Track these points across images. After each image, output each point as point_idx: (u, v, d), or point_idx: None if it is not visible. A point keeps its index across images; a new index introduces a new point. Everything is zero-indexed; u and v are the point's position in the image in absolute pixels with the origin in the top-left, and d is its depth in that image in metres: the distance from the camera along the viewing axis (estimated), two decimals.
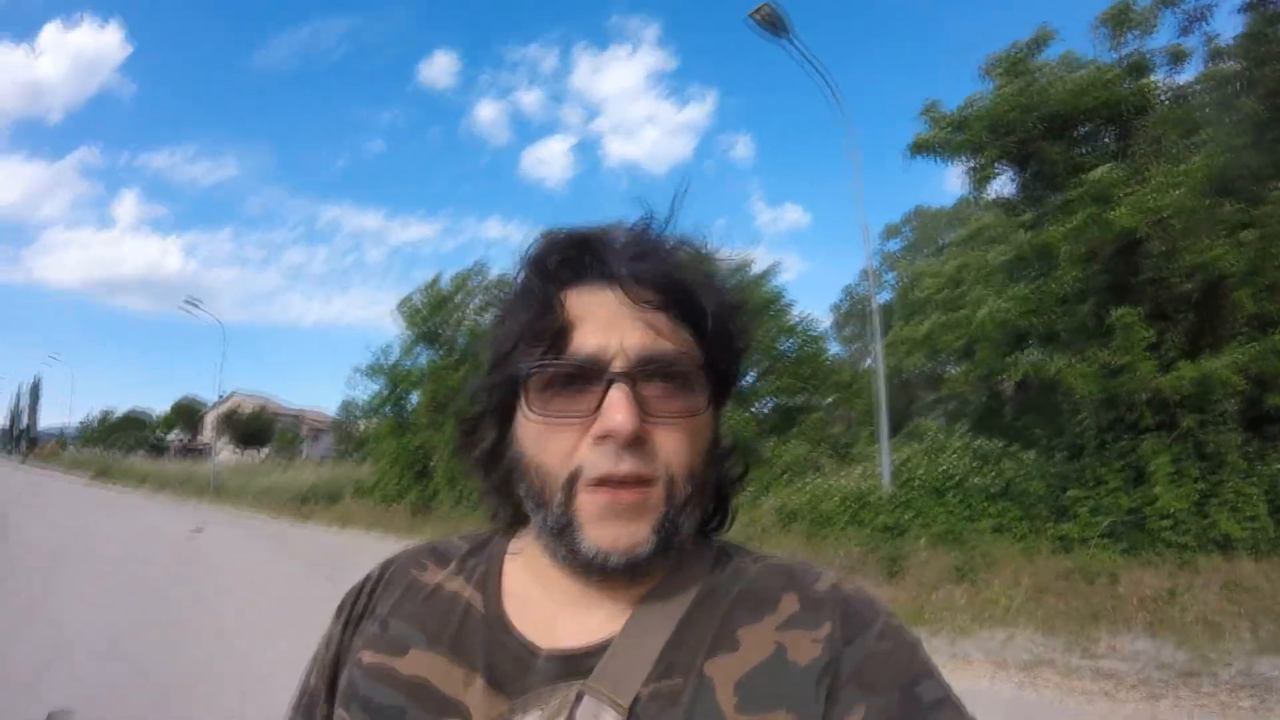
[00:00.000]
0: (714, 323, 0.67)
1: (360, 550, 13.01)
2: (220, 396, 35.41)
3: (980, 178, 9.92)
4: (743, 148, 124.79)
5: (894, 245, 25.49)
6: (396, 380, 18.21)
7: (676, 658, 0.64)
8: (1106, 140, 8.94)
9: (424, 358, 17.99)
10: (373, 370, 18.43)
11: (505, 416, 0.70)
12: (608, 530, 0.63)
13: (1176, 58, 8.83)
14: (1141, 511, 7.92)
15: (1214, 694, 4.75)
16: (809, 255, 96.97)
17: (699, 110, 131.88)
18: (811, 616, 0.65)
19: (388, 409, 18.75)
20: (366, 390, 19.01)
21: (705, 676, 0.62)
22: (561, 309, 0.66)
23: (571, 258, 0.68)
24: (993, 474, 10.22)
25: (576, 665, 0.64)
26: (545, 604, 0.69)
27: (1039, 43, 9.33)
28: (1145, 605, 6.35)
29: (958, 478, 10.41)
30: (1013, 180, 10.26)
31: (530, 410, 0.66)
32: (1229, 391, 7.46)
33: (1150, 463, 8.00)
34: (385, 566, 0.81)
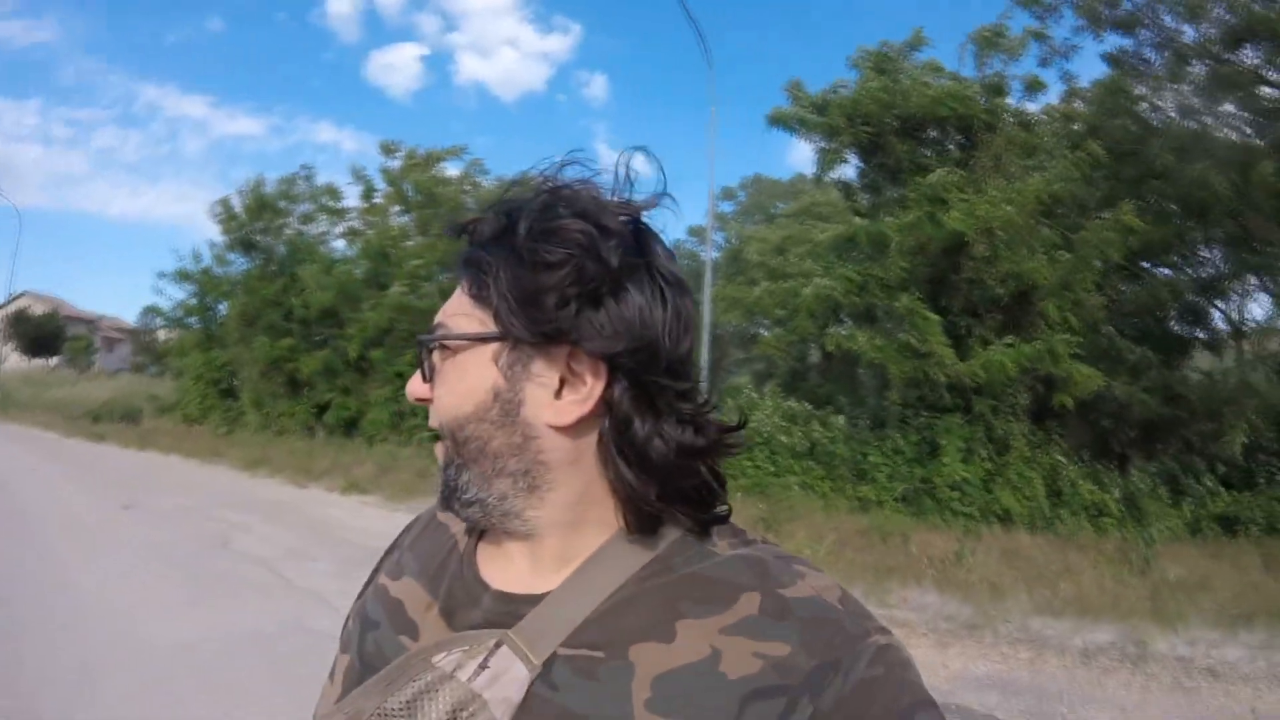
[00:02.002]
0: (493, 286, 0.64)
1: (162, 472, 12.19)
2: (9, 295, 31.09)
3: (829, 159, 10.46)
4: (597, 87, 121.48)
5: (726, 207, 26.54)
6: (206, 288, 16.65)
7: (605, 628, 0.63)
8: (952, 148, 9.72)
9: (238, 265, 16.54)
10: (180, 275, 16.70)
11: None
12: None
13: (1032, 87, 9.73)
14: (933, 481, 8.78)
15: (995, 645, 5.32)
16: None
17: (560, 41, 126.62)
18: (765, 626, 0.60)
19: (194, 319, 17.17)
20: (172, 297, 17.29)
21: (629, 660, 0.60)
22: None
23: None
24: (800, 434, 11.02)
25: (513, 609, 0.66)
26: (510, 552, 0.70)
27: (911, 45, 9.96)
28: (934, 564, 6.98)
29: (767, 435, 11.12)
30: (857, 167, 10.94)
31: None
32: (1007, 377, 8.41)
33: (944, 439, 8.92)
34: (428, 510, 0.86)
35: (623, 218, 0.65)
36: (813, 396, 12.47)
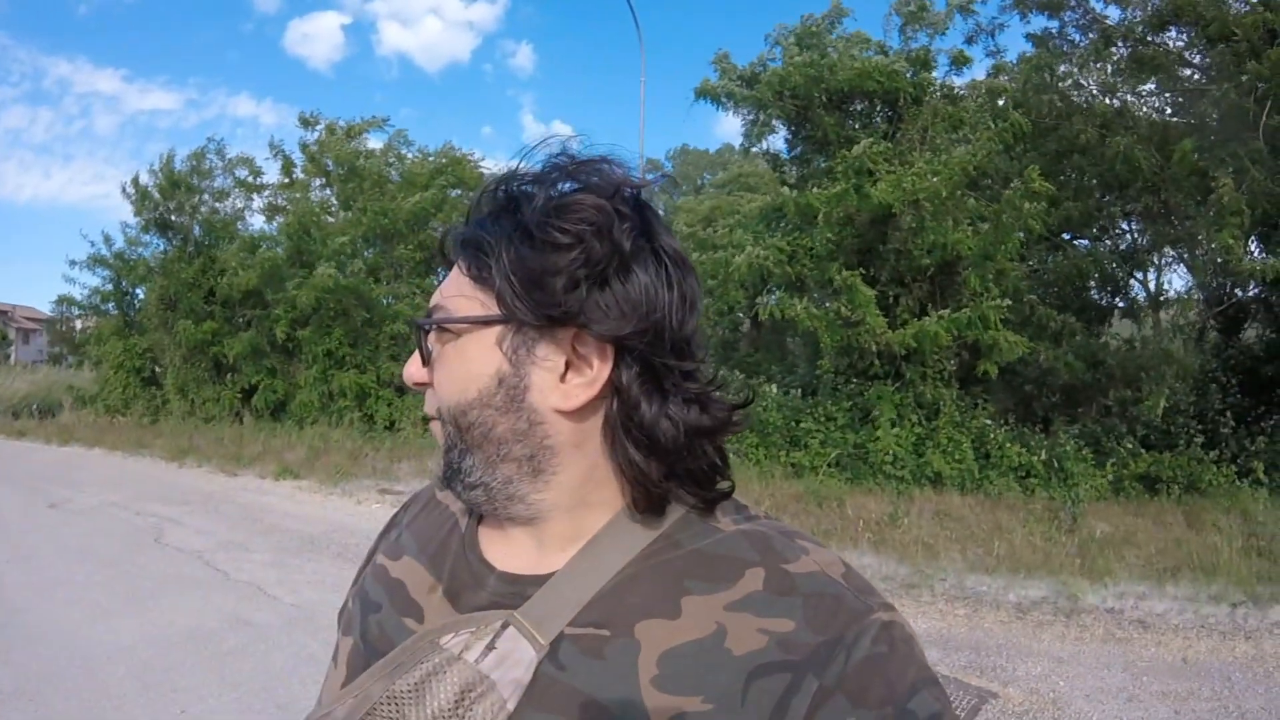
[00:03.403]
0: (495, 267, 0.63)
1: (87, 467, 11.66)
2: None
3: (757, 132, 10.54)
4: (524, 57, 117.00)
5: (652, 177, 26.51)
6: (121, 272, 15.85)
7: (611, 607, 0.62)
8: (879, 121, 9.87)
9: (154, 247, 15.76)
10: (93, 261, 15.84)
11: None
12: None
13: (958, 61, 9.89)
14: (866, 447, 8.95)
15: (933, 603, 5.48)
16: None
17: (487, 10, 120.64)
18: (770, 602, 0.60)
19: (111, 305, 16.38)
20: (85, 284, 16.38)
21: (634, 638, 0.60)
22: None
23: None
24: None
25: (519, 590, 0.66)
26: (513, 532, 0.70)
27: (831, 19, 10.04)
28: (869, 527, 7.11)
29: None
30: (785, 139, 11.07)
31: None
32: (939, 346, 8.63)
33: (875, 406, 9.11)
34: (425, 488, 0.87)
35: (628, 193, 0.64)
36: (744, 366, 12.61)
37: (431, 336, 0.68)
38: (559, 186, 0.64)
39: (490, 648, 0.62)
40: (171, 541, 6.94)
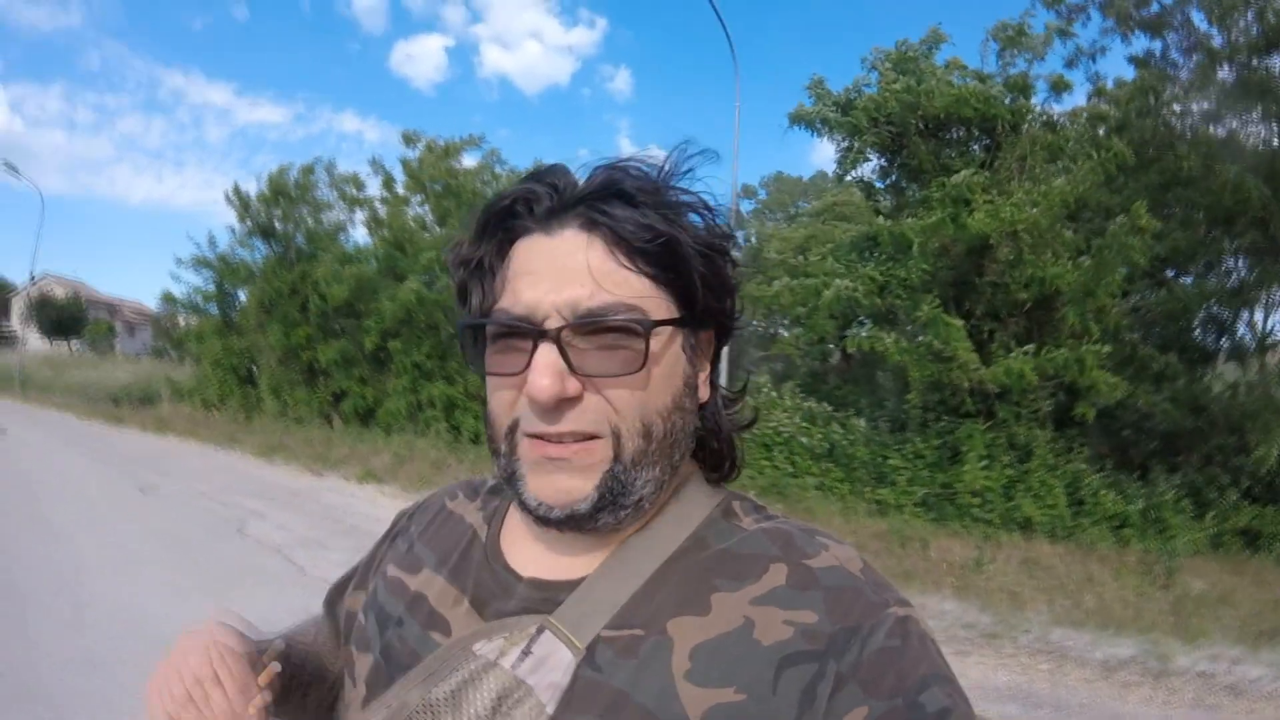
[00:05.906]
0: (688, 267, 0.63)
1: (180, 456, 12.17)
2: (32, 278, 31.80)
3: (851, 159, 10.40)
4: (621, 81, 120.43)
5: (746, 204, 26.54)
6: (224, 275, 16.66)
7: (643, 608, 0.63)
8: (976, 149, 9.62)
9: (259, 253, 16.44)
10: (198, 262, 16.68)
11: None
12: (546, 482, 0.62)
13: (1057, 87, 9.58)
14: (954, 487, 8.68)
15: (1015, 655, 5.20)
16: None
17: (586, 35, 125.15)
18: (793, 595, 0.61)
19: (213, 306, 17.18)
20: (189, 283, 17.27)
21: (668, 634, 0.61)
22: (505, 260, 0.65)
23: (526, 201, 0.64)
24: (820, 435, 10.90)
25: (551, 595, 0.65)
26: (537, 539, 0.70)
27: (929, 44, 9.85)
28: (953, 571, 6.87)
29: (787, 435, 11.01)
30: (880, 167, 10.88)
31: (480, 361, 0.65)
32: (1026, 385, 8.31)
33: (965, 445, 8.84)
34: (432, 495, 0.87)
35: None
36: (832, 398, 12.43)
37: (573, 338, 0.60)
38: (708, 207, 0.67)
39: (526, 653, 0.62)
40: (253, 534, 7.16)
